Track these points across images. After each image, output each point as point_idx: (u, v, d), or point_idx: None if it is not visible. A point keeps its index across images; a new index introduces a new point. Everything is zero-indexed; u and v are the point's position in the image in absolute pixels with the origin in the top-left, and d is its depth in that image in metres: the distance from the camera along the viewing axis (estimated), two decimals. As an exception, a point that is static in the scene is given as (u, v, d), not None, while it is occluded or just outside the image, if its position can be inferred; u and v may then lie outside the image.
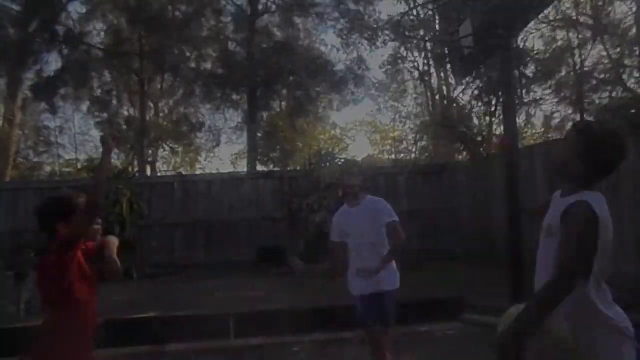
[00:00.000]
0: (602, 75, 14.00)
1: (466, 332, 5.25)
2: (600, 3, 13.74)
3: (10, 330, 5.54)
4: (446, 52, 13.54)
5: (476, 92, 11.94)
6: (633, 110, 6.59)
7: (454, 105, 16.82)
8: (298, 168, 11.62)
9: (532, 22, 11.05)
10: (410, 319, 5.51)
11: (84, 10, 14.75)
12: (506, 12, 2.60)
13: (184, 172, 17.43)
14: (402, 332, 5.19)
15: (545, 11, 13.11)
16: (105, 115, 16.38)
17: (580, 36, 14.63)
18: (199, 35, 14.69)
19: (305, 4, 14.38)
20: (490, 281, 6.35)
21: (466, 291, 6.36)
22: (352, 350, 4.77)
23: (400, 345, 4.86)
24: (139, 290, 7.41)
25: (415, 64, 18.95)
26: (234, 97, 15.99)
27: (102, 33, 15.87)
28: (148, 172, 16.43)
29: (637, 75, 13.31)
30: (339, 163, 10.19)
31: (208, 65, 15.81)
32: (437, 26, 15.85)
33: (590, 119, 12.34)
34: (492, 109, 11.65)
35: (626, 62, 13.70)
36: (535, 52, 11.21)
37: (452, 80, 17.61)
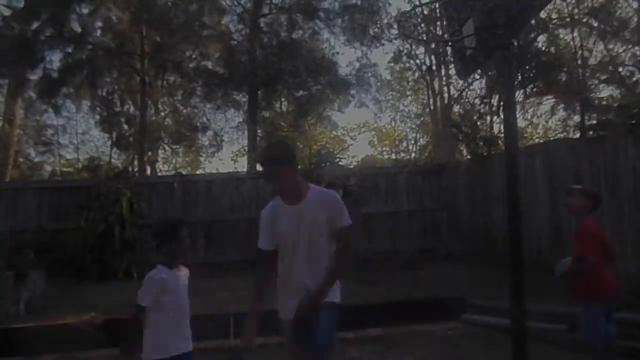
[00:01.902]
0: (604, 76, 13.99)
1: (466, 332, 5.25)
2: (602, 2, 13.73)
3: (10, 330, 5.54)
4: (448, 51, 13.56)
5: (478, 91, 11.96)
6: (635, 110, 6.58)
7: (456, 104, 16.83)
8: (299, 168, 11.62)
9: (534, 21, 11.07)
10: (410, 319, 5.52)
11: (88, 10, 14.74)
12: (506, 11, 2.59)
13: (184, 172, 17.43)
14: (402, 332, 5.20)
15: (547, 10, 13.16)
16: (106, 114, 16.39)
17: (581, 36, 14.62)
18: (201, 34, 14.68)
19: (310, 6, 14.34)
20: (490, 281, 6.35)
21: (466, 291, 6.35)
22: (352, 350, 4.77)
23: (401, 345, 4.86)
24: (139, 291, 7.39)
25: (419, 62, 18.94)
26: (236, 97, 15.99)
27: (104, 32, 15.86)
28: (148, 172, 16.43)
29: (637, 74, 13.31)
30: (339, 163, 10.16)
31: (210, 64, 15.81)
32: (438, 25, 15.86)
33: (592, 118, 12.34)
34: (494, 108, 11.67)
35: (627, 61, 13.70)
36: (543, 48, 11.18)
37: (454, 80, 17.63)
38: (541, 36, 11.71)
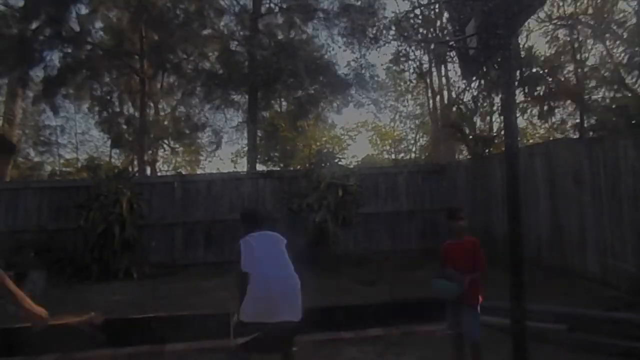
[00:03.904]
0: (603, 74, 13.99)
1: (466, 332, 5.23)
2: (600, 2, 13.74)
3: (11, 330, 5.54)
4: (447, 52, 13.54)
5: (477, 92, 11.96)
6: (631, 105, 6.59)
7: (455, 105, 16.81)
8: (298, 168, 11.62)
9: (534, 22, 11.10)
10: (410, 319, 5.51)
11: (86, 10, 14.74)
12: (505, 10, 2.60)
13: (184, 172, 17.45)
14: (402, 332, 5.19)
15: (547, 10, 13.17)
16: (105, 114, 16.39)
17: (580, 36, 14.63)
18: (200, 34, 14.67)
19: (309, 7, 14.33)
20: (490, 281, 6.34)
21: (466, 291, 6.33)
22: (352, 350, 4.77)
23: (401, 345, 4.86)
24: (139, 290, 7.40)
25: (417, 63, 18.92)
26: (235, 97, 15.98)
27: (103, 32, 15.86)
28: (148, 172, 16.43)
29: (637, 74, 13.30)
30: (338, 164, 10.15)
31: (209, 65, 15.81)
32: (438, 26, 15.83)
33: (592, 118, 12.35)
34: (494, 108, 11.68)
35: (627, 61, 13.69)
36: (536, 51, 11.22)
37: (453, 80, 17.62)
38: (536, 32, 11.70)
